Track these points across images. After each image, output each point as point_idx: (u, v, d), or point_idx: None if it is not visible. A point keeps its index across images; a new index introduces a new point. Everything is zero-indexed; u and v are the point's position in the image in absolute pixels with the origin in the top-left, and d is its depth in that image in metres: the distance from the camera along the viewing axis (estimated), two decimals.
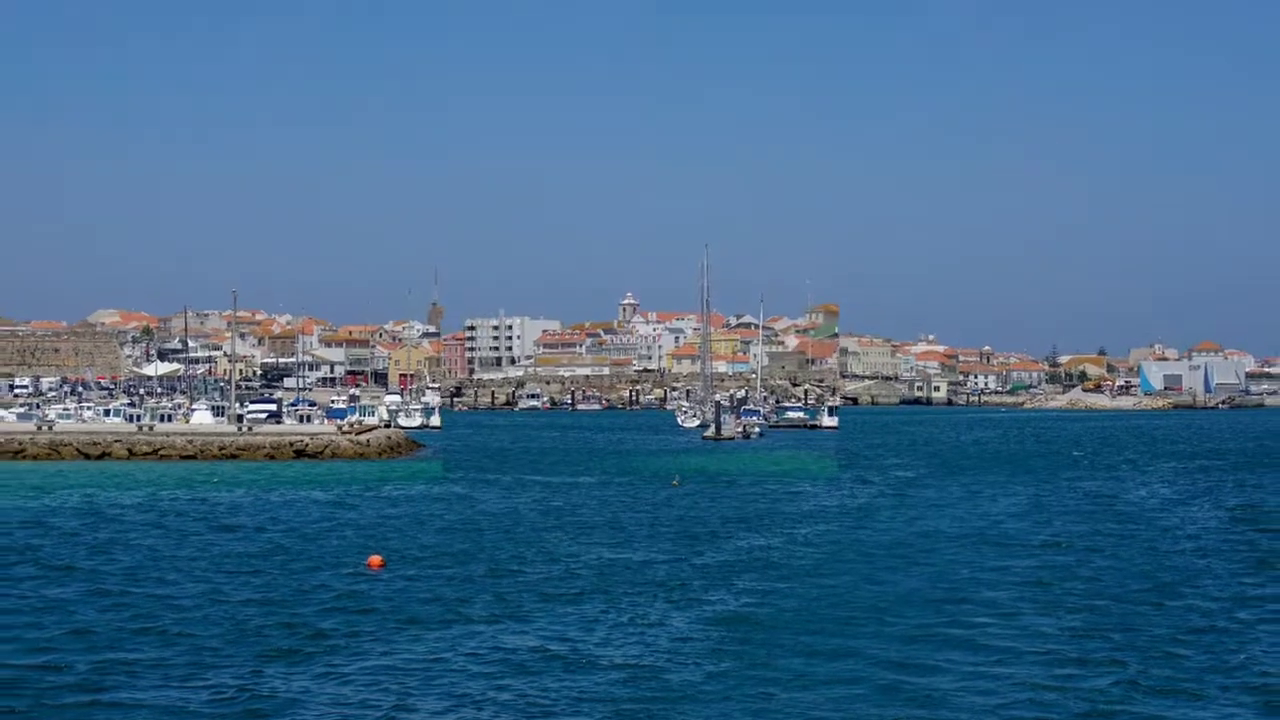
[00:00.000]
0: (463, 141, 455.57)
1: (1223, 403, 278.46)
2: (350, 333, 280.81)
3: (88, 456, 78.42)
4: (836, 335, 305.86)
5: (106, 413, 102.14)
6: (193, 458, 78.81)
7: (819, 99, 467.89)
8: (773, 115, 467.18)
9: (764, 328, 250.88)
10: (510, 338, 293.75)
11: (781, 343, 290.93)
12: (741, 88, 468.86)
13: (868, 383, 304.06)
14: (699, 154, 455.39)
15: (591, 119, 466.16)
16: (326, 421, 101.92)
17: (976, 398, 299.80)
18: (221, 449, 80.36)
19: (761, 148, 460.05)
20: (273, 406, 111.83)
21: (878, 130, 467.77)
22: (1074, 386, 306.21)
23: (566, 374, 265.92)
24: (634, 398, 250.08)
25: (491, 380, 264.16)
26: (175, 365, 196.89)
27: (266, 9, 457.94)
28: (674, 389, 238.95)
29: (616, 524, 46.86)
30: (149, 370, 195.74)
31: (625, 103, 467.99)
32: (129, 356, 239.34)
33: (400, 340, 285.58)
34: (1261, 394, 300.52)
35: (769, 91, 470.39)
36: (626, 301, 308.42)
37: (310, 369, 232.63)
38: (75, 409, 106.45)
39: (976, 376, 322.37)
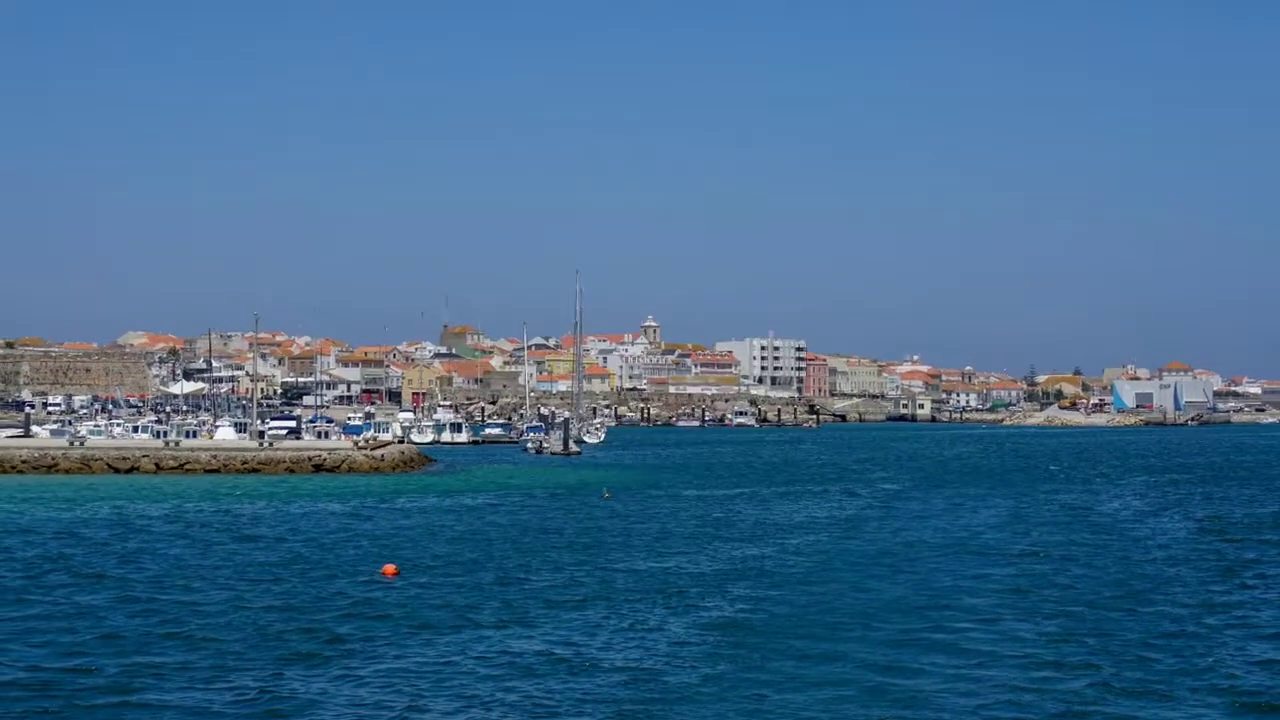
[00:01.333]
0: (470, 169, 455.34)
1: (1192, 420, 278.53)
2: (366, 353, 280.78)
3: (117, 471, 78.38)
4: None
5: (135, 429, 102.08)
6: (216, 472, 78.78)
7: (812, 134, 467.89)
8: (766, 147, 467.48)
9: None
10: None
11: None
12: (740, 121, 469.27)
13: (855, 400, 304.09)
14: (696, 182, 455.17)
15: (593, 147, 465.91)
16: (343, 437, 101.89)
17: (959, 415, 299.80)
18: (244, 463, 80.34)
19: (754, 182, 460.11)
20: (292, 423, 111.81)
21: (864, 161, 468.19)
22: (1051, 404, 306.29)
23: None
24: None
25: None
26: (200, 384, 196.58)
27: (285, 37, 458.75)
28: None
29: (618, 534, 46.84)
30: (175, 389, 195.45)
31: (626, 133, 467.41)
32: (156, 376, 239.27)
33: (413, 360, 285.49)
34: (1228, 411, 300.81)
35: (766, 124, 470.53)
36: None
37: (328, 388, 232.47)
38: (105, 426, 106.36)
39: (959, 395, 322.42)
